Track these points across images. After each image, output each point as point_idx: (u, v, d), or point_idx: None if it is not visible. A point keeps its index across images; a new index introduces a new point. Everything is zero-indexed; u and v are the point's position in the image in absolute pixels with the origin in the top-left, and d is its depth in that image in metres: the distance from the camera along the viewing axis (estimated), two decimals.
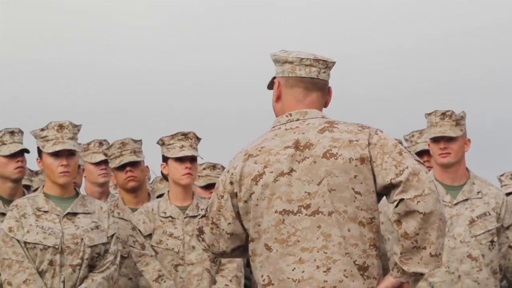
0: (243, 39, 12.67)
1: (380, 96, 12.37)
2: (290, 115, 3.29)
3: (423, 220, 3.08)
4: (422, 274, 3.14)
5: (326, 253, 3.09)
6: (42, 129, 4.81)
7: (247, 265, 5.59)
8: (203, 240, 3.33)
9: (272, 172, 3.17)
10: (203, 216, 3.32)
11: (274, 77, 3.37)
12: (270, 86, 3.43)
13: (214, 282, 5.06)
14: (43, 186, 4.84)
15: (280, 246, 3.13)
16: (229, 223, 3.25)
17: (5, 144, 5.25)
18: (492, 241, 5.03)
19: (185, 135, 5.21)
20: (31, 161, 5.19)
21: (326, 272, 3.08)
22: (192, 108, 12.37)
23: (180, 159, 5.14)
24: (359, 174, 3.14)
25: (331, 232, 3.10)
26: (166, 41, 12.58)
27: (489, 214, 5.07)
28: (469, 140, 5.15)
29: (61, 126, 4.80)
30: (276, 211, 3.15)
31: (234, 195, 3.23)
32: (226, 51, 12.54)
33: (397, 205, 3.11)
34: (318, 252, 3.09)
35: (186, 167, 5.14)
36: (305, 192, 3.13)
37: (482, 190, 5.12)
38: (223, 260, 5.08)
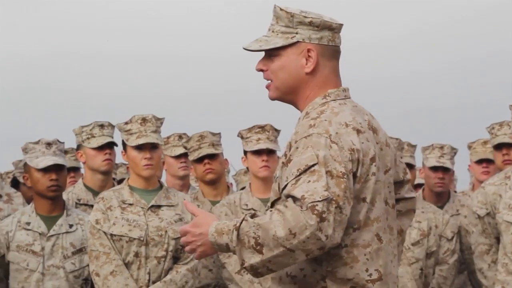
0: None
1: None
2: (345, 90, 2.94)
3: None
4: None
5: (392, 247, 2.92)
6: (126, 123, 4.86)
7: None
8: (320, 229, 2.63)
9: (376, 154, 2.86)
10: (325, 200, 2.65)
11: (294, 42, 2.89)
12: (270, 50, 2.91)
13: None
14: (128, 179, 4.90)
15: (387, 237, 2.87)
16: (350, 208, 2.73)
17: (94, 136, 5.36)
18: None
19: (262, 128, 5.21)
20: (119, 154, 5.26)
21: (395, 267, 2.93)
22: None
23: (257, 152, 5.15)
24: None
25: (393, 225, 2.93)
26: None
27: None
28: None
29: (144, 120, 4.84)
30: (383, 199, 2.86)
31: (352, 175, 2.77)
32: None
33: (399, 202, 3.03)
34: (388, 245, 2.89)
35: (263, 160, 5.13)
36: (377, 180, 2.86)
37: None
38: None
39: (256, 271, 2.71)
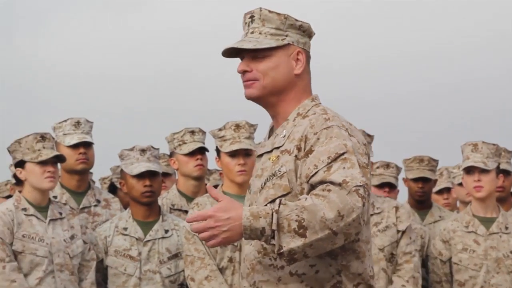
0: None
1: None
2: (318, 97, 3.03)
3: None
4: None
5: None
6: (220, 129, 4.91)
7: (423, 265, 5.51)
8: (362, 213, 2.64)
9: None
10: (363, 185, 2.67)
11: (285, 44, 2.93)
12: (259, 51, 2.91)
13: (390, 282, 5.00)
14: (222, 185, 4.93)
15: None
16: None
17: (185, 143, 5.44)
18: None
19: None
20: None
21: None
22: None
23: None
24: None
25: None
26: None
27: None
28: None
29: (238, 126, 4.88)
30: None
31: None
32: None
33: None
34: None
35: None
36: None
37: None
38: (400, 260, 5.02)
39: (292, 257, 2.64)
